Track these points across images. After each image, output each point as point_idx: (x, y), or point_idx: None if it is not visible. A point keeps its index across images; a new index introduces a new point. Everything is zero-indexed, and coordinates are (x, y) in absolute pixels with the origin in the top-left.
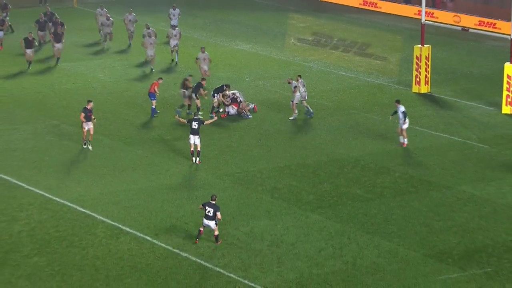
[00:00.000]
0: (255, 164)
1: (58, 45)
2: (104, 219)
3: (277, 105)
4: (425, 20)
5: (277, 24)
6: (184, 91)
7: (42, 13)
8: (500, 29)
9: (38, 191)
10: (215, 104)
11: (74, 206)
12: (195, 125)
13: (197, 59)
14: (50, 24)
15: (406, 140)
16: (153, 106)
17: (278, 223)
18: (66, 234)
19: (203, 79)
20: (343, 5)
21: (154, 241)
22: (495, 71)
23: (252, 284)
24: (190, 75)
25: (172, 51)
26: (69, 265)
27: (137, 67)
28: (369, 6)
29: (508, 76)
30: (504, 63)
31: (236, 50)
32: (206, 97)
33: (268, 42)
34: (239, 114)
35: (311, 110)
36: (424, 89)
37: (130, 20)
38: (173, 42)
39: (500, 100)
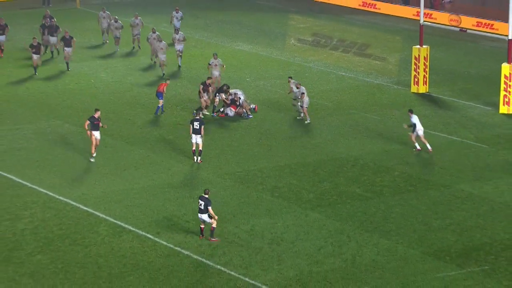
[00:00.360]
0: (256, 163)
1: (68, 50)
2: (107, 218)
3: (278, 105)
4: (424, 21)
5: (277, 25)
6: (209, 94)
7: (44, 16)
8: (497, 30)
9: (41, 189)
10: (216, 104)
11: (77, 204)
12: (196, 125)
13: (209, 64)
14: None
15: (428, 145)
16: (160, 105)
17: (278, 221)
18: (69, 232)
19: (226, 85)
20: (342, 6)
21: (156, 239)
22: (492, 72)
23: (253, 282)
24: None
25: (177, 56)
26: (72, 262)
27: (139, 67)
28: (368, 7)
29: (505, 77)
30: (501, 63)
31: (237, 51)
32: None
33: (269, 42)
34: (239, 115)
35: (301, 111)
36: (423, 89)
37: (137, 24)
38: (178, 47)
39: (498, 100)
